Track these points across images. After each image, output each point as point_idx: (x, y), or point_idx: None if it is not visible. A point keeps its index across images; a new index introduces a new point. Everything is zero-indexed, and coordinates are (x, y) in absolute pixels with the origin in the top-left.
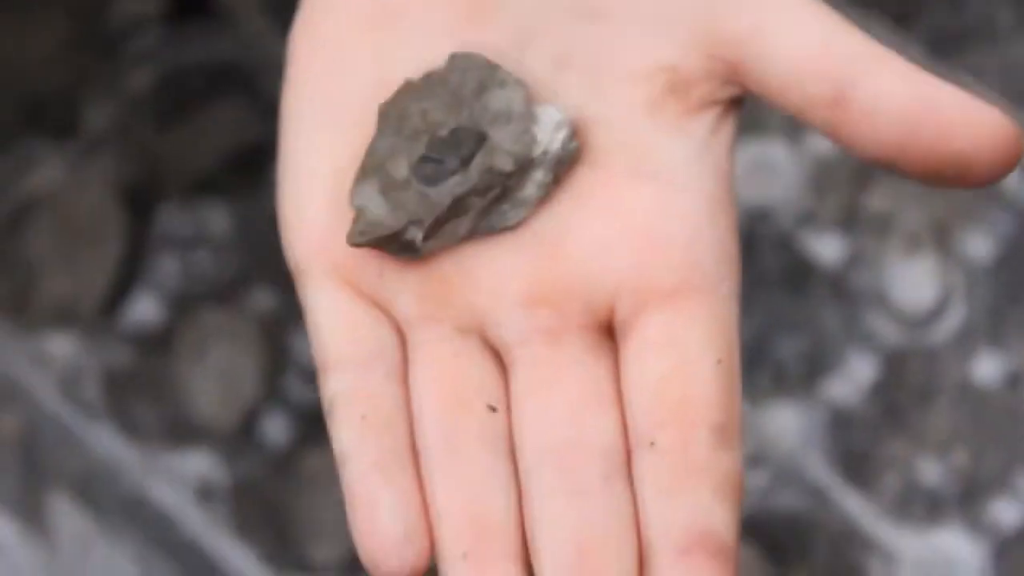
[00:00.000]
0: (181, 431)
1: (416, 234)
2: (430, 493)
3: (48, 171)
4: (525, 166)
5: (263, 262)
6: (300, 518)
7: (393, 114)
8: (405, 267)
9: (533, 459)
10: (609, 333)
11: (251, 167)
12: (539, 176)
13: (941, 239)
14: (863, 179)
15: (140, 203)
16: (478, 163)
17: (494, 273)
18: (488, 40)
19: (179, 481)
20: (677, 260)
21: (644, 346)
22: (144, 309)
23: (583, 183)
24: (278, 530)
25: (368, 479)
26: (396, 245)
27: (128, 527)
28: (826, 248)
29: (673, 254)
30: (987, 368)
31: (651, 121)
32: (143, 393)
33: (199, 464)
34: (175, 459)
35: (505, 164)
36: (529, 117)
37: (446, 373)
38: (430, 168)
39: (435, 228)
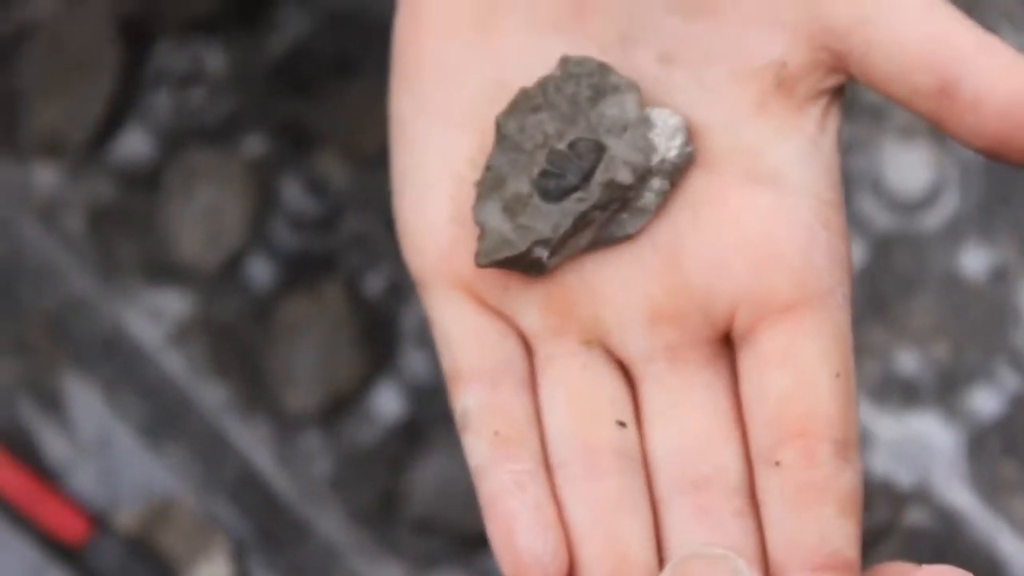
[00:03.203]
0: (162, 270)
1: (542, 253)
2: (568, 511)
3: (45, 0)
4: (643, 176)
5: (257, 105)
6: (276, 365)
7: (511, 127)
8: (529, 281)
9: (669, 491)
10: (726, 342)
11: (251, 9)
12: (657, 184)
13: (936, 130)
14: None
15: (136, 37)
16: (599, 178)
17: (617, 287)
18: (593, 37)
19: (157, 320)
20: (794, 270)
21: (763, 361)
22: (133, 145)
23: (698, 189)
24: (253, 375)
25: (506, 497)
26: (523, 264)
27: (101, 361)
28: None
29: (790, 264)
30: (974, 261)
31: (761, 120)
32: (126, 229)
33: (178, 304)
34: (155, 297)
35: (626, 177)
36: (645, 123)
37: (576, 388)
38: (552, 183)
39: (559, 246)
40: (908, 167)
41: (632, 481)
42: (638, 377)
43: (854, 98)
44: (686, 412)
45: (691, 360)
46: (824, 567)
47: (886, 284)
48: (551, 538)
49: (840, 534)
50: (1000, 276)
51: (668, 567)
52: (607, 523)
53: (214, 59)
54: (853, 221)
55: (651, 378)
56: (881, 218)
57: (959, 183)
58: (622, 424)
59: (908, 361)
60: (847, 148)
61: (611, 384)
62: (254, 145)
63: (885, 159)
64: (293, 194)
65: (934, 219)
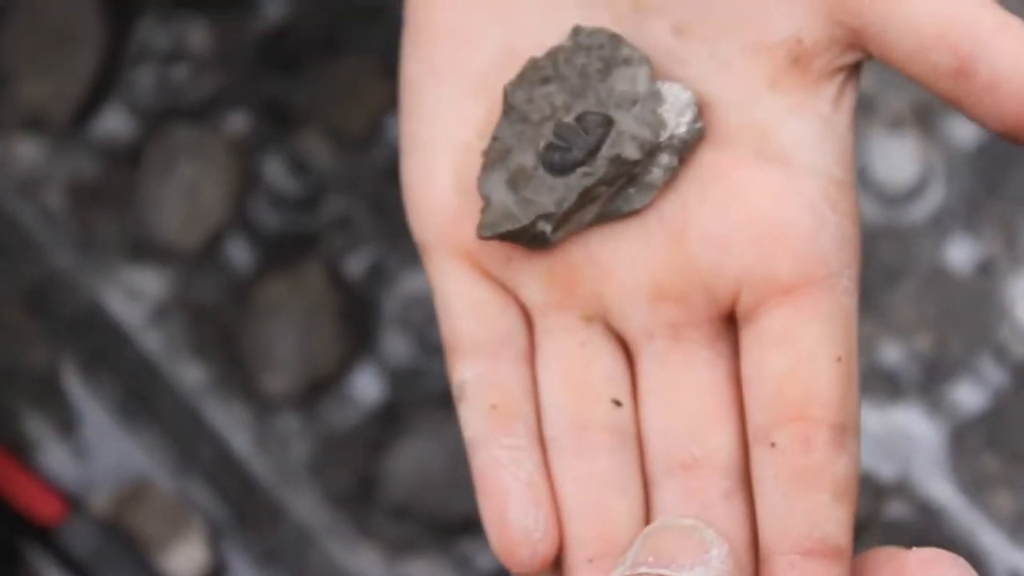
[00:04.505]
0: (142, 248)
1: (546, 227)
2: (559, 486)
3: None
4: (652, 152)
5: (240, 83)
6: (254, 346)
7: (519, 98)
8: (533, 253)
9: (660, 471)
10: (730, 320)
11: None
12: (665, 160)
13: (924, 122)
14: None
15: (119, 12)
16: (605, 153)
17: (621, 263)
18: (608, 6)
19: (135, 298)
20: (799, 252)
21: (765, 342)
22: (115, 121)
23: (707, 165)
24: (231, 356)
25: (500, 472)
26: (525, 238)
27: (78, 340)
28: None
29: (795, 246)
30: (959, 254)
31: (774, 97)
32: (106, 206)
33: (157, 282)
34: (133, 275)
35: (632, 153)
36: (655, 97)
37: (573, 364)
38: (557, 156)
39: (563, 220)
40: (895, 159)
41: (623, 460)
42: (637, 354)
43: None
44: (682, 392)
45: (692, 339)
46: (814, 552)
47: (871, 276)
48: (542, 515)
49: (832, 520)
50: (985, 269)
51: (638, 539)
52: (595, 502)
53: (198, 36)
54: None
55: (650, 355)
56: (867, 210)
57: (945, 176)
58: (617, 403)
59: (891, 353)
60: None
61: (609, 361)
62: (237, 123)
63: (872, 151)
64: (275, 174)
65: (920, 211)
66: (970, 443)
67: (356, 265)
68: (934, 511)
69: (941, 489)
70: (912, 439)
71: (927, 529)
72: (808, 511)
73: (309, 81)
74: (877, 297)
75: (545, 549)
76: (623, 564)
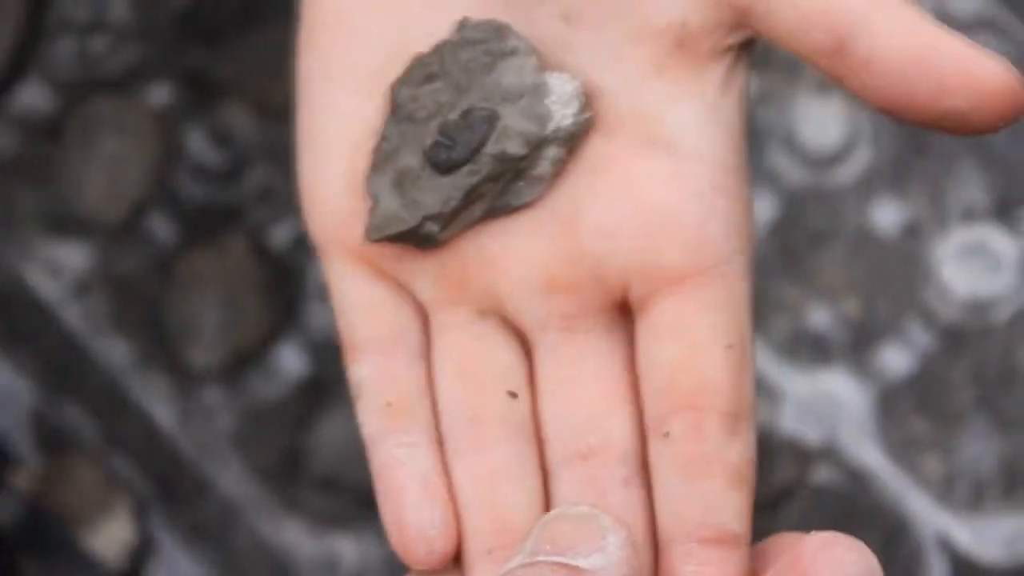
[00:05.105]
0: (63, 222)
1: (433, 228)
2: (455, 481)
3: None
4: (538, 145)
5: (161, 54)
6: (178, 319)
7: (404, 96)
8: (425, 251)
9: (557, 462)
10: (625, 309)
11: None
12: (552, 152)
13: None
14: None
15: None
16: (490, 149)
17: (512, 256)
18: None
19: (57, 273)
20: (687, 241)
21: (656, 332)
22: (35, 94)
23: (596, 153)
24: (154, 330)
25: (396, 470)
26: (414, 239)
27: None
28: None
29: (683, 235)
30: (886, 216)
31: (659, 83)
32: (27, 180)
33: (79, 257)
34: (55, 250)
35: (517, 149)
36: (541, 90)
37: (467, 358)
38: (442, 155)
39: (450, 219)
40: (821, 121)
41: (519, 451)
42: (533, 345)
43: (768, 52)
44: (578, 382)
45: (587, 329)
46: (710, 540)
47: (797, 239)
48: (438, 513)
49: (727, 508)
50: (912, 231)
51: (535, 528)
52: (492, 494)
53: (117, 7)
54: (765, 175)
55: (545, 347)
56: (793, 172)
57: (872, 137)
58: (513, 395)
59: (819, 317)
60: (760, 101)
61: (504, 354)
62: (158, 95)
63: (798, 113)
64: (198, 145)
65: (846, 173)
66: (898, 406)
67: (280, 237)
68: (862, 475)
69: (869, 453)
70: (840, 403)
71: (855, 493)
72: (702, 499)
73: (230, 51)
74: (804, 260)
75: (442, 547)
76: (522, 553)
